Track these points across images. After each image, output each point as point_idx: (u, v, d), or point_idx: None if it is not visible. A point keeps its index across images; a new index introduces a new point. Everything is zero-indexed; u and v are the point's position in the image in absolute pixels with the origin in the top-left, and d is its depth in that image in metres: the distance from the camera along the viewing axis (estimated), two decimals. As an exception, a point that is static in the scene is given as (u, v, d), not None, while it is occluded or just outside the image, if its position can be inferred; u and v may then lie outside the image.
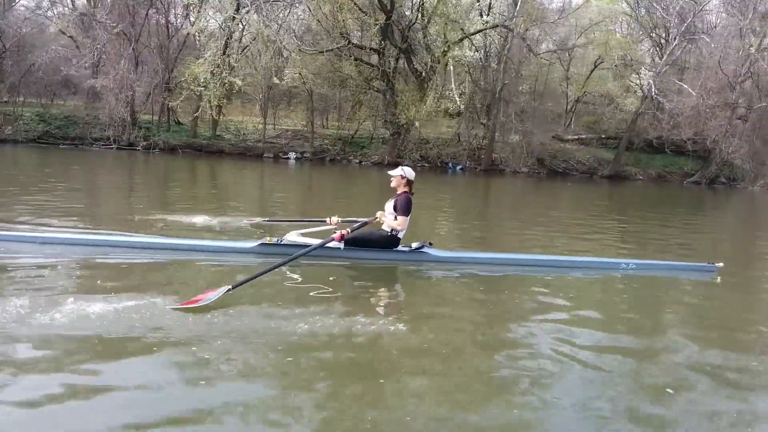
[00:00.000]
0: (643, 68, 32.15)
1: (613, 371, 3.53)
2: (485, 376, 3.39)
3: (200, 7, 26.03)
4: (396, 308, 4.85)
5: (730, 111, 29.71)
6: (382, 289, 5.34)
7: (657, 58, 32.27)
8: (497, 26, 28.17)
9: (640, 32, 34.46)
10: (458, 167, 29.93)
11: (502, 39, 28.98)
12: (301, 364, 3.32)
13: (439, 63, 27.32)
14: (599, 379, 3.40)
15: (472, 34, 27.64)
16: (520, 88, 31.62)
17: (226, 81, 25.28)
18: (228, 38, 25.85)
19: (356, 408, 2.86)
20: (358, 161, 29.88)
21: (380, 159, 29.14)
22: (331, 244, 5.35)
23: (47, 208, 8.31)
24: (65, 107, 30.65)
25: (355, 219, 6.14)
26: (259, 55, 26.16)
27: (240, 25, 26.41)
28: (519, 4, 27.66)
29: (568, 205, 17.49)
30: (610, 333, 4.33)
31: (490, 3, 29.32)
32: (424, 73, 27.95)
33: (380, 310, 4.63)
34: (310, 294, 4.71)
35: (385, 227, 5.88)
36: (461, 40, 27.14)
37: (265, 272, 4.66)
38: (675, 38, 29.67)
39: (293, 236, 5.89)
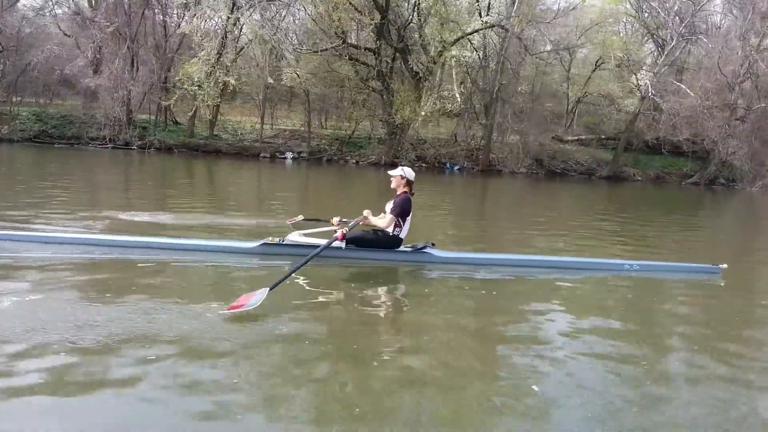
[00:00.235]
0: (642, 69, 32.08)
1: (615, 374, 3.47)
2: (486, 376, 3.35)
3: (195, 6, 25.88)
4: (397, 308, 4.83)
5: (729, 112, 29.63)
6: (384, 289, 5.27)
7: (658, 59, 32.21)
8: (493, 26, 28.12)
9: (644, 33, 34.38)
10: (456, 167, 29.85)
11: (500, 39, 28.92)
12: (301, 364, 3.30)
13: (435, 63, 27.20)
14: (601, 381, 3.35)
15: (469, 34, 27.55)
16: (519, 88, 31.56)
17: (220, 81, 25.15)
18: (223, 38, 25.73)
19: (356, 407, 2.83)
20: (355, 161, 29.81)
21: (377, 159, 29.07)
22: (333, 244, 5.33)
23: (28, 206, 8.25)
24: (63, 107, 30.70)
25: (349, 220, 6.11)
26: (255, 56, 26.05)
27: (236, 25, 26.26)
28: (516, 4, 27.57)
29: (566, 206, 17.43)
30: (614, 334, 4.26)
31: (489, 3, 29.26)
32: (420, 73, 27.86)
33: (382, 310, 4.61)
34: (312, 293, 4.68)
35: (376, 223, 5.81)
36: (458, 40, 27.02)
37: (297, 269, 4.58)
38: (673, 39, 29.60)
39: (295, 236, 5.84)
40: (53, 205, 8.74)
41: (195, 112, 28.10)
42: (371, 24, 25.94)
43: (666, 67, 30.29)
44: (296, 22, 30.04)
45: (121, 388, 2.87)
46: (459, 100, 27.41)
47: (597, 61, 33.31)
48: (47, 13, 31.77)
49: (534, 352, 3.72)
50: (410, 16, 27.81)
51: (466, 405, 2.96)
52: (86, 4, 30.55)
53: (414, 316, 4.50)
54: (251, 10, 25.16)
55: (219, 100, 27.61)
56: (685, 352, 4.04)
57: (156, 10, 29.42)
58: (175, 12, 29.76)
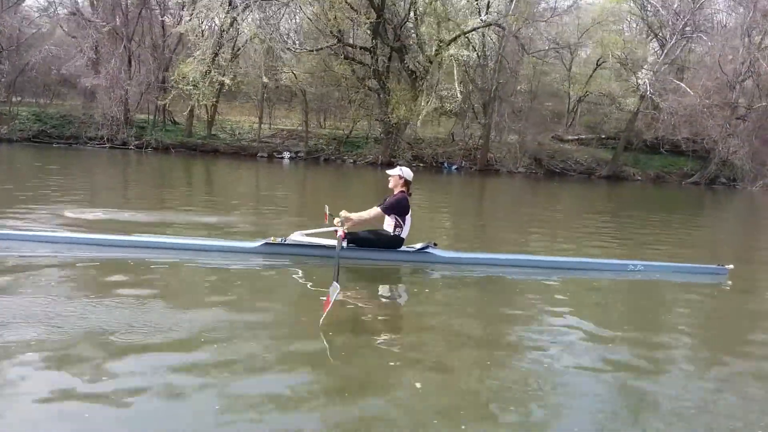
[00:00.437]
0: (642, 68, 31.88)
1: (618, 377, 3.42)
2: (487, 377, 3.32)
3: (191, 5, 25.79)
4: (399, 308, 4.84)
5: (729, 110, 29.47)
6: (386, 289, 5.27)
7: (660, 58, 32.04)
8: (489, 25, 27.97)
9: (647, 32, 34.21)
10: (453, 167, 29.72)
11: (499, 38, 28.77)
12: (301, 363, 3.30)
13: (431, 63, 27.09)
14: (604, 385, 3.32)
15: (465, 33, 27.41)
16: (519, 87, 31.40)
17: (215, 80, 25.03)
18: (219, 37, 25.68)
19: (355, 407, 2.83)
20: (352, 161, 29.73)
21: (374, 159, 28.97)
22: (334, 242, 5.35)
23: (24, 205, 8.23)
24: (63, 107, 30.82)
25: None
26: (251, 56, 25.93)
27: (232, 25, 26.13)
28: (514, 2, 27.44)
29: (567, 206, 17.35)
30: (618, 337, 4.19)
31: (489, 2, 29.13)
32: (417, 73, 27.74)
33: (383, 309, 4.62)
34: (313, 294, 4.68)
35: (361, 216, 5.74)
36: (454, 39, 26.89)
37: (339, 265, 4.45)
38: (673, 37, 29.45)
39: (297, 236, 5.84)
40: (51, 204, 8.69)
41: (191, 111, 28.02)
42: (367, 23, 25.80)
43: (666, 65, 30.08)
44: (293, 21, 29.93)
45: (117, 383, 2.86)
46: (459, 98, 27.27)
47: (598, 60, 33.17)
48: (51, 15, 31.80)
49: (536, 353, 3.70)
50: (406, 15, 27.67)
51: (467, 405, 2.94)
52: (88, 4, 30.47)
53: (415, 315, 4.51)
54: (247, 10, 25.01)
55: (215, 99, 27.54)
56: (692, 355, 3.97)
57: (156, 11, 29.35)
58: (171, 11, 29.65)
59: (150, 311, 3.90)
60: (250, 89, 30.96)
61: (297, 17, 29.73)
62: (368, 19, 25.75)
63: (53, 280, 4.53)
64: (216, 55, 25.46)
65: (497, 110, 29.91)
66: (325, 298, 3.96)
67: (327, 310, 3.77)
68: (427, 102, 26.91)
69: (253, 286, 4.46)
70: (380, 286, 5.25)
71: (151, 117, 29.75)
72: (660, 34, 32.28)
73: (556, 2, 31.68)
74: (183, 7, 27.32)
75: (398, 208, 5.73)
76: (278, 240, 5.79)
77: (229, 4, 25.19)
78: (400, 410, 2.82)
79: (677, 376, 3.53)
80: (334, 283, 4.04)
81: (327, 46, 27.27)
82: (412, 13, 27.56)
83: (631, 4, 33.42)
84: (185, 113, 28.28)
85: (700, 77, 29.58)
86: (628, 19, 35.53)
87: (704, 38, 29.74)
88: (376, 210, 5.74)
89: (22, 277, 4.54)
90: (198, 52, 25.02)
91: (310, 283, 5.03)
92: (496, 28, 28.27)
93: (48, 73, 29.11)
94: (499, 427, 2.74)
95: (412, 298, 5.12)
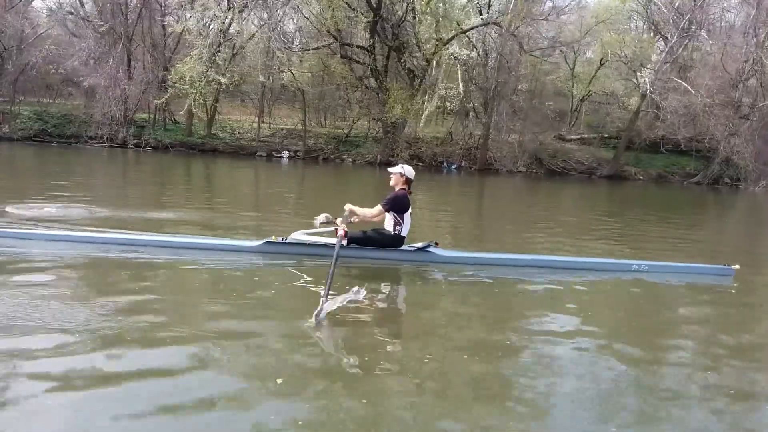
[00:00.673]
0: (645, 67, 31.69)
1: (621, 378, 3.39)
2: (488, 377, 3.30)
3: (189, 5, 25.72)
4: (400, 307, 4.83)
5: (733, 110, 29.26)
6: (387, 288, 5.22)
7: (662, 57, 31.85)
8: (487, 23, 27.82)
9: (652, 30, 34.03)
10: (453, 166, 29.59)
11: (499, 37, 28.63)
12: (302, 363, 3.29)
13: (428, 62, 26.96)
14: (606, 386, 3.28)
15: (463, 32, 27.29)
16: (519, 86, 31.26)
17: (212, 80, 24.95)
18: (216, 37, 25.56)
19: (355, 406, 2.81)
20: (351, 160, 29.67)
21: (373, 158, 28.87)
22: (334, 241, 5.33)
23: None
24: (64, 106, 30.99)
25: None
26: (249, 55, 25.87)
27: (231, 25, 26.02)
28: (513, 2, 27.29)
29: (568, 206, 17.28)
30: (620, 337, 4.14)
31: (489, 1, 28.99)
32: (415, 71, 27.61)
33: (384, 309, 4.60)
34: (313, 294, 4.64)
35: (364, 213, 5.75)
36: (452, 38, 26.76)
37: (334, 268, 4.49)
38: (674, 35, 29.27)
39: (298, 235, 5.85)
40: (48, 201, 8.66)
41: (190, 111, 27.96)
42: (365, 22, 25.70)
43: (668, 64, 29.87)
44: (291, 21, 29.82)
45: (117, 381, 2.86)
46: (461, 95, 27.14)
47: (601, 59, 33.02)
48: (58, 15, 31.71)
49: (538, 353, 3.67)
50: (404, 14, 27.55)
51: (467, 405, 2.93)
52: (88, 4, 30.41)
53: (416, 314, 4.51)
54: (245, 9, 24.94)
55: (214, 99, 27.48)
56: (697, 356, 3.90)
57: (156, 12, 29.28)
58: (170, 10, 29.56)
59: (150, 310, 3.90)
60: (249, 88, 30.90)
61: (295, 17, 29.57)
62: (366, 18, 25.63)
63: (52, 278, 4.51)
64: (214, 54, 25.39)
65: (497, 109, 29.75)
66: (324, 298, 3.94)
67: (331, 308, 3.77)
68: (429, 101, 26.79)
69: (253, 285, 4.48)
70: (380, 285, 5.20)
71: (151, 116, 29.82)
72: (664, 33, 32.09)
73: (555, 2, 31.60)
74: (182, 6, 27.27)
75: (396, 204, 5.67)
76: (279, 239, 5.78)
77: (228, 4, 25.10)
78: (400, 410, 2.81)
79: (682, 377, 3.47)
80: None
81: (324, 45, 27.21)
82: (410, 12, 27.44)
83: (635, 3, 33.26)
84: (182, 112, 28.20)
85: (703, 76, 29.34)
86: (635, 18, 35.34)
87: (705, 36, 29.50)
88: (378, 208, 5.71)
89: (19, 275, 4.52)
90: (195, 52, 25.01)
91: (311, 283, 5.00)
92: (495, 27, 28.13)
93: (49, 73, 29.13)
94: (499, 425, 2.72)
95: (413, 297, 5.10)
